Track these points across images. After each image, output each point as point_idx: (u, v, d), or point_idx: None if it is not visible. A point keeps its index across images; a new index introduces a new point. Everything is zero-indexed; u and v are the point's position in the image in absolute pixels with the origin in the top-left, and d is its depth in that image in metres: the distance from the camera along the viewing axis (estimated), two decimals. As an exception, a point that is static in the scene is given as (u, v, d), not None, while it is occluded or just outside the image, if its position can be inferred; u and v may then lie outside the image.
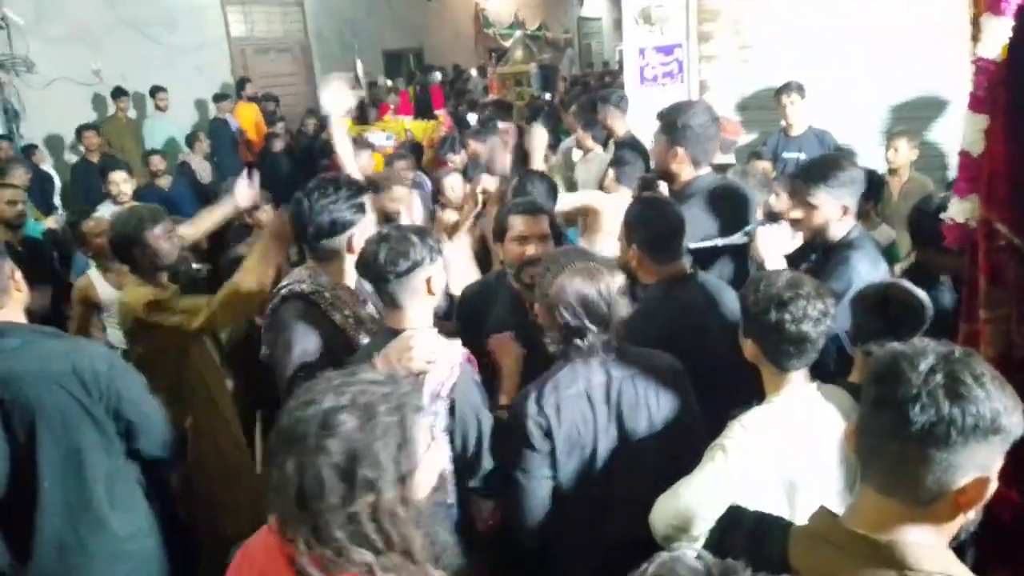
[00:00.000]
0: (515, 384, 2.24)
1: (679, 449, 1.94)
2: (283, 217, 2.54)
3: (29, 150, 7.51)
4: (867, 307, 2.14)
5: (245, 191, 3.28)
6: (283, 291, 2.30)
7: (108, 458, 2.12)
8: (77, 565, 2.09)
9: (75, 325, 3.92)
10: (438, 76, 11.30)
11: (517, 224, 2.57)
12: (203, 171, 7.49)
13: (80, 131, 7.57)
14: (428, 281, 1.98)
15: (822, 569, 1.19)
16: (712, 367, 2.13)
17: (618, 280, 1.97)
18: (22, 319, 2.08)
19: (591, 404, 1.96)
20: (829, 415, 1.78)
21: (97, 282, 3.93)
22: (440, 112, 9.76)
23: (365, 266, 1.98)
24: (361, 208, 2.33)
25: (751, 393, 1.90)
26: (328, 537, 1.18)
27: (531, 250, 2.52)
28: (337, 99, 3.05)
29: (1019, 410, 1.09)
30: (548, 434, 1.93)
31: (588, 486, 1.98)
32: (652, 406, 1.98)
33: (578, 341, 1.94)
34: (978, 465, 1.08)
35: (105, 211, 5.05)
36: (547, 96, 10.79)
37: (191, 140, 8.14)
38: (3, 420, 1.98)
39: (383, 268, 1.92)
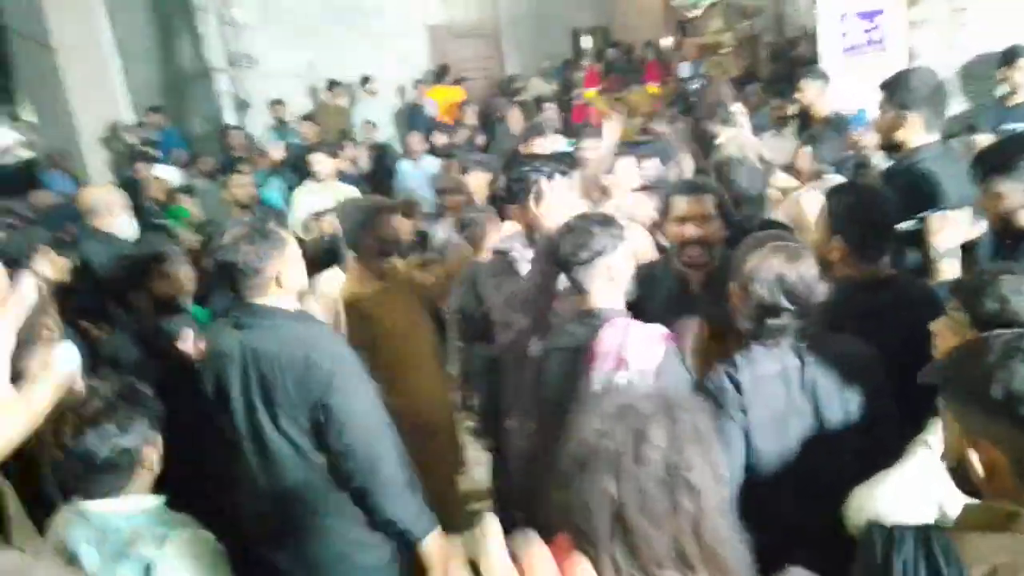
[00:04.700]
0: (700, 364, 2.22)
1: (875, 440, 1.88)
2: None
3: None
4: None
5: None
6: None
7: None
8: (290, 544, 2.22)
9: None
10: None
11: (679, 204, 2.54)
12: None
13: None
14: (609, 269, 2.10)
15: (1000, 555, 1.20)
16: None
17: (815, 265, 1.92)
18: (285, 305, 2.23)
19: (787, 387, 1.91)
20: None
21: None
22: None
23: (553, 254, 2.18)
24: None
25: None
26: (645, 556, 1.08)
27: (690, 231, 2.50)
28: None
29: None
30: (743, 409, 1.89)
31: (787, 473, 1.90)
32: (848, 395, 1.92)
33: (771, 321, 1.88)
34: None
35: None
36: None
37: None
38: (245, 387, 2.17)
39: (566, 257, 2.11)
